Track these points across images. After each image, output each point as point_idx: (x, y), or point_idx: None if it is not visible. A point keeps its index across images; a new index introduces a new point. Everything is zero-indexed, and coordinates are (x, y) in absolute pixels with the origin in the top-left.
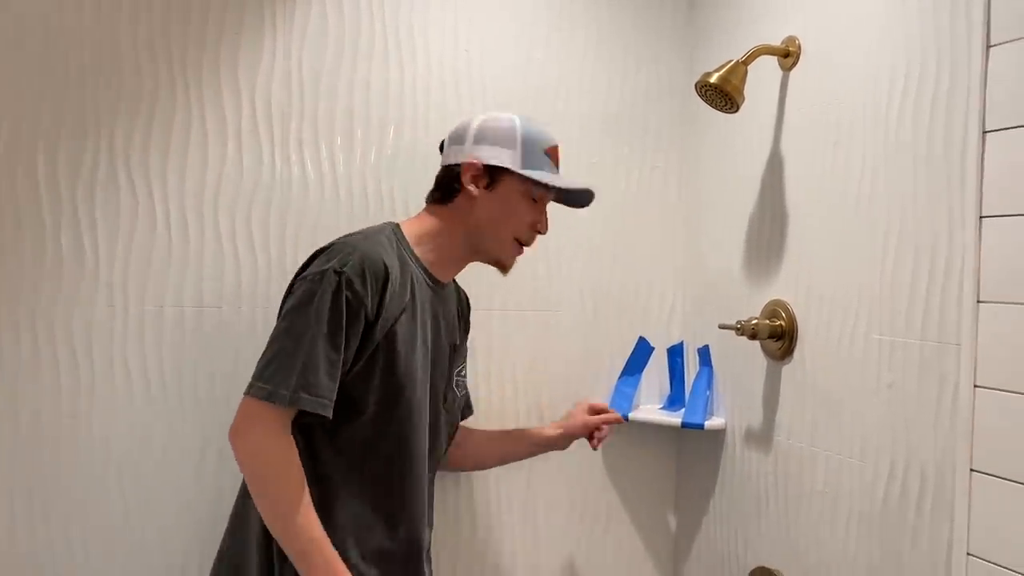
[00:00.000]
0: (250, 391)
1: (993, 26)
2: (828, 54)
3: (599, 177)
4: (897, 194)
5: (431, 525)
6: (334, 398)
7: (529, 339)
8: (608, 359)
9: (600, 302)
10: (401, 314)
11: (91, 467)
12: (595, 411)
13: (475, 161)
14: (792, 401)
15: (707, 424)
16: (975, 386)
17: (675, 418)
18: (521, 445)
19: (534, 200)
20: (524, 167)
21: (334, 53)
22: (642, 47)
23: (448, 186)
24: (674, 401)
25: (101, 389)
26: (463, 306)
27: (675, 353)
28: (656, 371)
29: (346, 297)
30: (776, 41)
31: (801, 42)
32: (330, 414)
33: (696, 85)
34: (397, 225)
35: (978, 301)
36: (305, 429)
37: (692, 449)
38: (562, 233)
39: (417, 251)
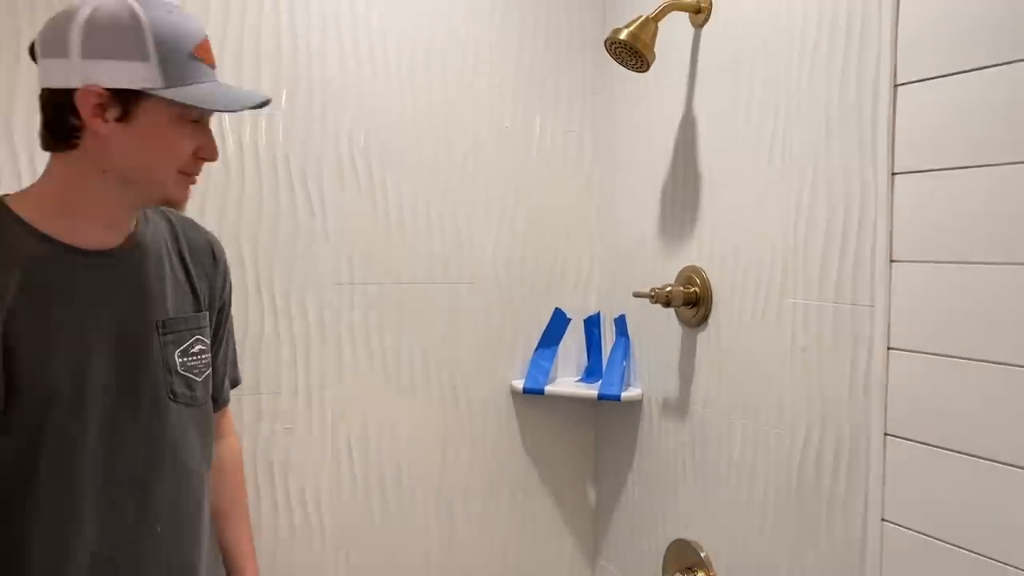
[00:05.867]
0: None
1: None
2: (739, 9)
3: (510, 141)
4: (809, 153)
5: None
6: None
7: (439, 313)
8: (523, 332)
9: (513, 272)
10: (10, 319)
11: None
12: None
13: (94, 87)
14: (708, 369)
15: (624, 396)
16: (889, 348)
17: (592, 390)
18: (226, 553)
19: (193, 121)
20: (169, 85)
21: (236, 29)
22: (552, 5)
23: (62, 122)
24: (592, 372)
25: None
26: (195, 260)
27: (592, 324)
28: (574, 343)
29: None
30: None
31: None
32: None
33: (605, 42)
34: (1, 200)
35: (891, 261)
36: None
37: (610, 421)
38: (472, 201)
39: (38, 223)
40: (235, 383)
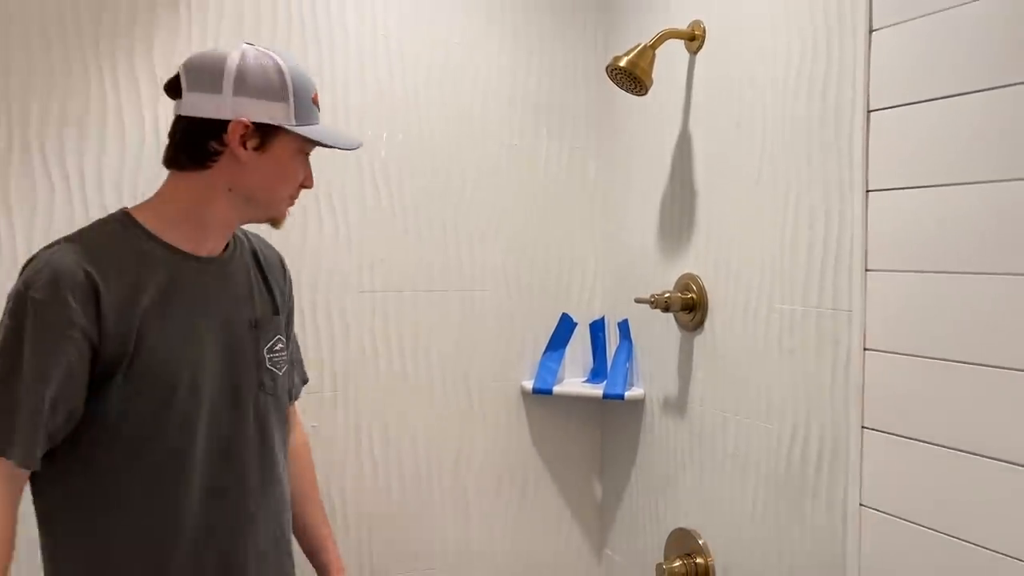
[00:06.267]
0: None
1: (875, 12)
2: (730, 38)
3: (520, 159)
4: (793, 171)
5: (282, 539)
6: (39, 445)
7: (454, 318)
8: (532, 336)
9: (523, 280)
10: (144, 313)
11: None
12: None
13: (243, 120)
14: (704, 369)
15: (627, 395)
16: (864, 349)
17: (597, 390)
18: (304, 539)
19: (305, 154)
20: (299, 123)
21: (251, 34)
22: (558, 31)
23: (202, 146)
24: (597, 374)
25: None
26: (273, 273)
27: (597, 328)
28: (580, 346)
29: (44, 321)
30: (684, 25)
31: (706, 26)
32: (32, 466)
33: (607, 68)
34: (126, 212)
35: (866, 270)
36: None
37: (615, 419)
38: (485, 214)
39: (161, 233)
40: (304, 381)
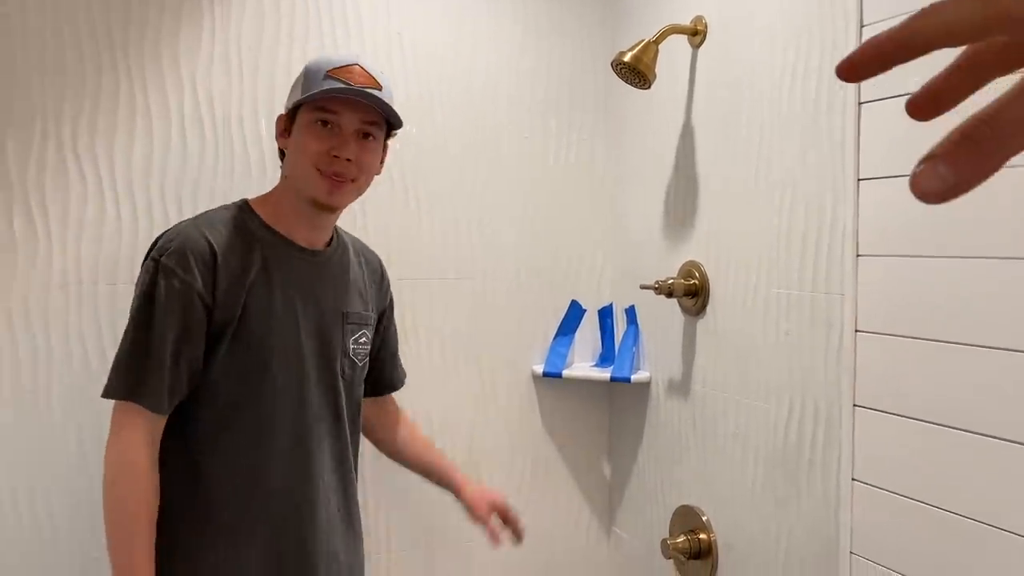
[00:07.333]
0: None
1: (865, 7)
2: (730, 33)
3: (529, 151)
4: (789, 160)
5: (348, 509)
6: (165, 393)
7: (468, 305)
8: (543, 322)
9: (534, 268)
10: (251, 287)
11: (52, 442)
12: (500, 510)
13: (281, 115)
14: (707, 352)
15: (634, 378)
16: (856, 330)
17: (605, 373)
18: (433, 476)
19: (325, 124)
20: (303, 95)
21: (271, 31)
22: (567, 27)
23: (280, 149)
24: (605, 359)
25: (59, 367)
26: (369, 275)
27: (605, 314)
28: (590, 332)
29: (172, 285)
30: (687, 21)
31: (708, 21)
32: (163, 411)
33: (612, 63)
34: (246, 201)
35: (857, 255)
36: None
37: (622, 402)
38: (496, 204)
39: (266, 218)
40: (404, 374)
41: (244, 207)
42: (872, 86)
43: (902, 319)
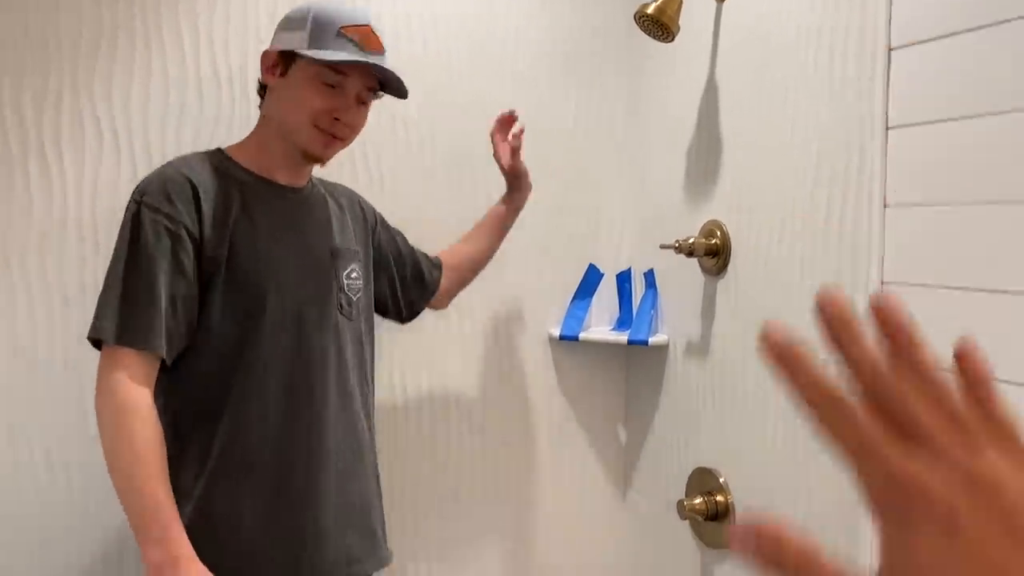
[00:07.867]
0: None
1: None
2: None
3: (550, 112)
4: (815, 116)
5: (362, 455)
6: (163, 334)
7: (486, 268)
8: (561, 285)
9: (552, 231)
10: (235, 225)
11: (66, 403)
12: (504, 138)
13: (270, 50)
14: (727, 312)
15: (651, 340)
16: (882, 283)
17: (622, 336)
18: (487, 234)
19: (331, 86)
20: (311, 48)
21: None
22: None
23: (261, 84)
24: (623, 323)
25: (76, 320)
26: (349, 208)
27: (623, 279)
28: (608, 297)
29: (158, 220)
30: None
31: None
32: (160, 350)
33: (635, 15)
34: (219, 148)
35: (884, 206)
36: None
37: (639, 364)
38: None
39: (243, 161)
40: (438, 266)
41: (219, 152)
42: (903, 32)
43: (930, 269)
